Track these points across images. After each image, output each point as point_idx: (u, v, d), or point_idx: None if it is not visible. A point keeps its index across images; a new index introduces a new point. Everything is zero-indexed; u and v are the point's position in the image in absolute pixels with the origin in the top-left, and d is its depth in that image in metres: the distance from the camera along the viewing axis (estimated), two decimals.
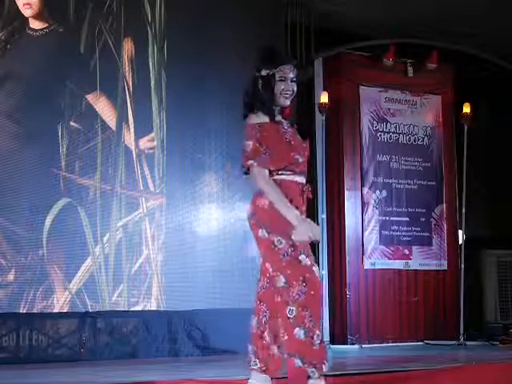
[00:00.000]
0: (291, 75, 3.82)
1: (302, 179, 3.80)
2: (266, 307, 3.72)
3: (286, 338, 3.65)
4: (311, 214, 4.15)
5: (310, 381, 3.66)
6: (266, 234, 3.71)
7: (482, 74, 9.11)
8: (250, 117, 3.77)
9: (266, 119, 3.75)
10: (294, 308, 3.65)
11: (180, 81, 6.90)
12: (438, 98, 8.75)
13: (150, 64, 6.87)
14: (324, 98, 7.75)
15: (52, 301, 6.27)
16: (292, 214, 3.66)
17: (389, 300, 8.23)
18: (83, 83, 6.55)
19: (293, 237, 3.65)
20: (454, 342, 7.83)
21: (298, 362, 3.65)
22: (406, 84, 8.59)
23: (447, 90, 8.80)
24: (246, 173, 3.78)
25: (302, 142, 3.84)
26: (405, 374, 4.92)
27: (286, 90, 3.80)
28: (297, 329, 3.64)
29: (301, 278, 3.66)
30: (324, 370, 3.67)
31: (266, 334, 3.72)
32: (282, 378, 3.82)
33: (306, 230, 3.66)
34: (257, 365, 3.72)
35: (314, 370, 3.65)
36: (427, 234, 8.51)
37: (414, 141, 8.59)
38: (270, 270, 3.71)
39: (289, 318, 3.65)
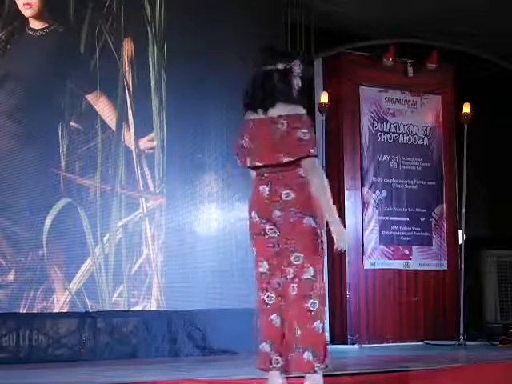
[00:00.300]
0: (299, 70, 3.88)
1: None
2: (284, 303, 3.71)
3: (301, 331, 3.64)
4: None
5: (317, 376, 3.65)
6: (314, 224, 3.70)
7: (482, 74, 9.11)
8: (282, 109, 3.73)
9: (300, 110, 3.76)
10: (316, 301, 3.68)
11: (180, 81, 6.90)
12: (438, 98, 8.76)
13: (150, 64, 6.87)
14: (324, 98, 7.75)
15: (52, 301, 6.27)
16: (336, 216, 3.70)
17: (389, 300, 8.23)
18: (83, 83, 6.54)
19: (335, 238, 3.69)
20: (454, 342, 7.83)
21: (308, 356, 3.63)
22: (406, 84, 8.59)
23: (447, 90, 8.80)
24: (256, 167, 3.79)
25: None
26: (405, 374, 4.91)
27: (297, 84, 3.86)
28: (317, 322, 3.66)
29: (324, 274, 3.75)
30: (327, 362, 3.69)
31: (285, 330, 3.71)
32: (295, 377, 3.83)
33: (345, 237, 3.72)
34: (278, 363, 3.70)
35: (320, 365, 3.65)
36: (427, 233, 8.52)
37: (414, 141, 8.59)
38: (301, 260, 3.68)
39: (311, 310, 3.66)
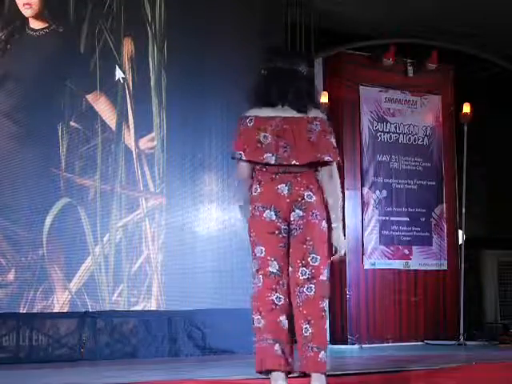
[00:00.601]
0: None
1: None
2: (290, 304, 3.73)
3: (314, 330, 3.65)
4: None
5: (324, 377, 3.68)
6: (327, 228, 3.77)
7: (482, 74, 9.12)
8: (314, 111, 3.80)
9: (323, 116, 3.84)
10: (327, 303, 3.75)
11: (180, 80, 6.90)
12: (437, 97, 8.76)
13: (150, 64, 6.87)
14: (324, 98, 7.75)
15: (52, 301, 6.27)
16: (341, 224, 3.81)
17: (389, 300, 8.23)
18: (83, 83, 6.54)
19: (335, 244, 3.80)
20: (454, 342, 7.84)
21: (323, 356, 3.66)
22: (406, 84, 8.59)
23: (447, 90, 8.81)
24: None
25: None
26: (405, 374, 4.91)
27: None
28: (327, 323, 3.72)
29: None
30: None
31: (289, 331, 3.73)
32: (295, 377, 3.84)
33: (344, 245, 3.83)
34: (289, 364, 3.71)
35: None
36: (427, 234, 8.51)
37: (414, 141, 8.59)
38: (319, 261, 3.71)
39: (324, 311, 3.70)
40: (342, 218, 3.81)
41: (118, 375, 5.12)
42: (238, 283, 6.78)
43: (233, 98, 6.72)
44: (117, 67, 6.67)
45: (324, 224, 3.75)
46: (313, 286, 3.68)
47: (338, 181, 3.80)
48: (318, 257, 3.71)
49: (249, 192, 3.80)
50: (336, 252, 3.81)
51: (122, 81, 6.68)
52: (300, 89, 3.80)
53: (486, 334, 8.22)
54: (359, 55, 8.44)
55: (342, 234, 3.80)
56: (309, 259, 3.70)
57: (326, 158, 3.72)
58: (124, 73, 6.73)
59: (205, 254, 6.86)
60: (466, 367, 5.37)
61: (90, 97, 6.56)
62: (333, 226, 3.77)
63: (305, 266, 3.70)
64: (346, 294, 7.97)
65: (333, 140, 3.77)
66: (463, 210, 8.10)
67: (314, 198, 3.73)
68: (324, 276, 3.71)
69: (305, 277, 3.69)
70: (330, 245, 3.79)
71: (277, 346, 3.67)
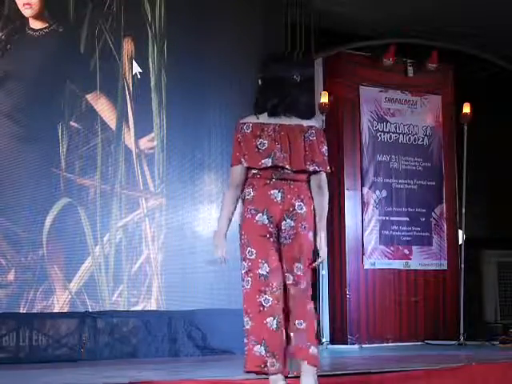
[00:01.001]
0: None
1: None
2: (282, 306, 3.76)
3: (305, 328, 3.72)
4: None
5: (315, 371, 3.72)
6: (313, 239, 3.83)
7: (482, 74, 9.12)
8: (310, 120, 3.87)
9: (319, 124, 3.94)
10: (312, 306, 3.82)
11: (180, 80, 6.90)
12: (438, 98, 8.76)
13: (150, 64, 6.87)
14: (324, 98, 7.75)
15: (52, 301, 6.27)
16: (325, 233, 3.87)
17: (389, 300, 8.23)
18: (83, 83, 6.55)
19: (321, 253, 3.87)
20: (454, 342, 7.84)
21: (314, 352, 3.72)
22: (406, 84, 8.59)
23: (447, 90, 8.80)
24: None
25: None
26: (405, 373, 4.91)
27: None
28: (315, 321, 3.79)
29: None
30: None
31: (283, 332, 3.74)
32: (294, 377, 3.85)
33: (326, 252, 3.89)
34: (274, 365, 3.71)
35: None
36: (427, 233, 8.51)
37: (414, 141, 8.59)
38: (303, 271, 3.77)
39: (314, 313, 3.78)
40: (325, 226, 3.87)
41: (118, 375, 5.12)
42: (237, 283, 6.74)
43: (233, 98, 6.73)
44: (134, 62, 6.69)
45: (311, 234, 3.81)
46: (301, 292, 3.75)
47: (327, 191, 3.84)
48: (303, 266, 3.78)
49: (241, 196, 3.85)
50: (317, 259, 3.87)
51: (138, 75, 6.69)
52: (295, 97, 3.83)
53: (486, 334, 8.21)
54: (359, 55, 8.44)
55: (325, 243, 3.85)
56: (298, 267, 3.77)
57: (311, 169, 3.78)
58: (124, 73, 6.73)
59: (205, 254, 6.85)
60: (466, 367, 5.37)
61: (89, 97, 6.56)
62: (320, 235, 3.84)
63: (295, 273, 3.77)
64: (346, 294, 7.97)
65: (324, 150, 3.83)
66: (463, 210, 8.10)
67: (305, 209, 3.78)
68: (309, 283, 3.79)
69: (294, 282, 3.77)
70: (313, 252, 3.85)
71: (261, 349, 3.70)
